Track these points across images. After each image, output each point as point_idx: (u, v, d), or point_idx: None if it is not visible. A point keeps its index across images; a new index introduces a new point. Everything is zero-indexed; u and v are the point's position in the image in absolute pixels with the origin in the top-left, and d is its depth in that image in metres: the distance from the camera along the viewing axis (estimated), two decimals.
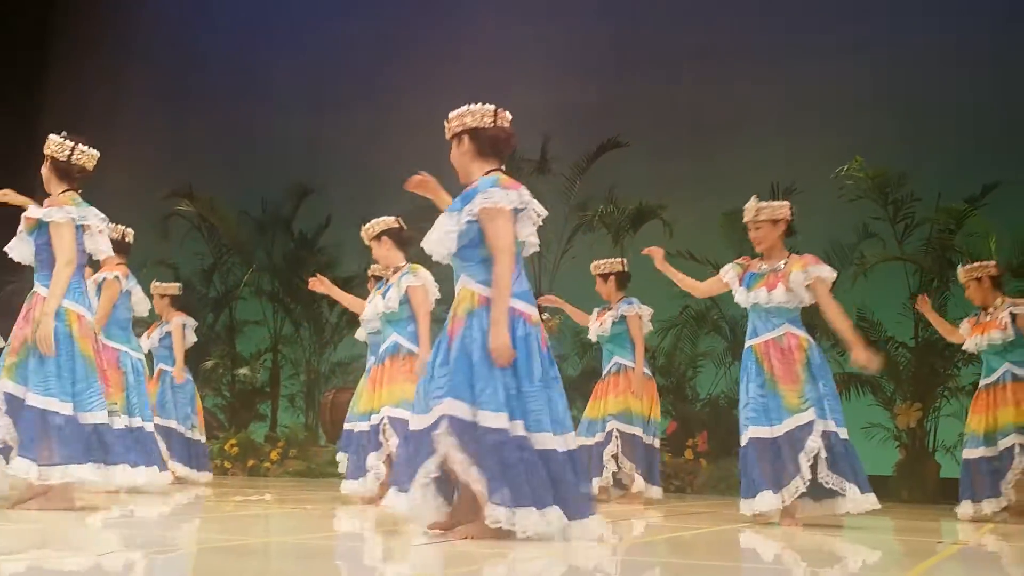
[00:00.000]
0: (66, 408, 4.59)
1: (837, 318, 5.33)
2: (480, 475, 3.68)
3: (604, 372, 7.31)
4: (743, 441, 5.25)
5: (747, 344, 5.40)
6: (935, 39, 10.28)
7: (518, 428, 3.75)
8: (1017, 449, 6.13)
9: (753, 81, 10.98)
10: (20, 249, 4.80)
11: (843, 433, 5.18)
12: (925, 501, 8.18)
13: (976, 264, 6.53)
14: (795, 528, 5.04)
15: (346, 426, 6.44)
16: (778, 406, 5.16)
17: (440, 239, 3.97)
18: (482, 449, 3.70)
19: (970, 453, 6.35)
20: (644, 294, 7.52)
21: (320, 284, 6.66)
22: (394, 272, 6.24)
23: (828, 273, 5.41)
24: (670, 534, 4.90)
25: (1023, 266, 8.70)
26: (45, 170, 4.91)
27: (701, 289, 5.83)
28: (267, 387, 11.37)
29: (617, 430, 7.02)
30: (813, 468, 5.06)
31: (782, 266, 5.40)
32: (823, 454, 5.07)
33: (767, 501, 5.07)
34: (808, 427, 5.09)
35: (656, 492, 7.05)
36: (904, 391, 8.86)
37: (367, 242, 6.40)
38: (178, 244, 11.52)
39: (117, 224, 6.50)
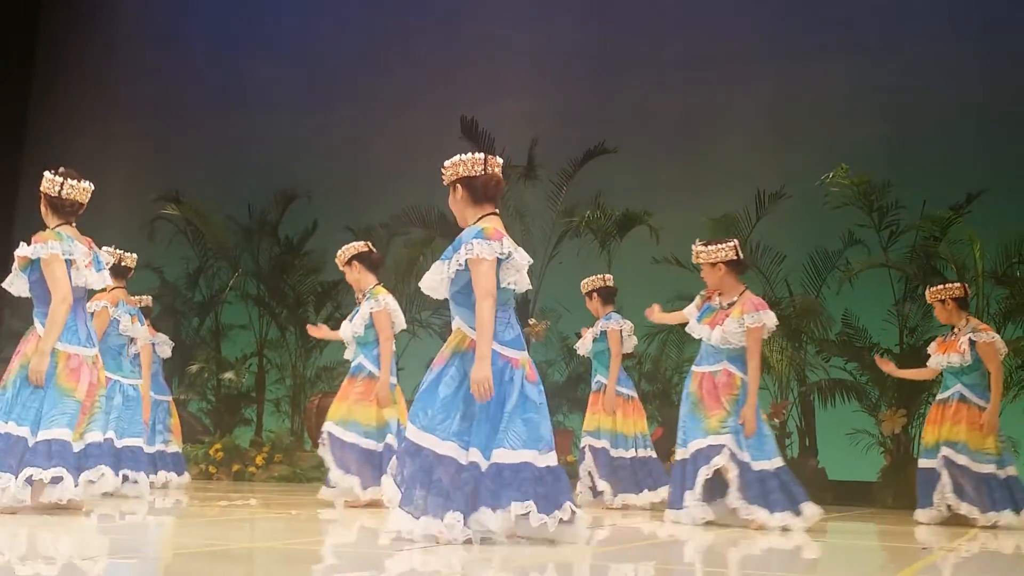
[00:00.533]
0: (22, 431, 4.69)
1: (751, 372, 5.53)
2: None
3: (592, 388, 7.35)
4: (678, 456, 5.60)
5: (692, 369, 5.71)
6: (920, 47, 10.35)
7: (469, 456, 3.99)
8: (942, 462, 6.44)
9: (739, 88, 11.02)
10: (17, 284, 4.90)
11: (757, 465, 5.42)
12: (910, 507, 8.15)
13: (940, 287, 6.78)
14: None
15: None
16: (697, 427, 5.49)
17: (433, 285, 4.23)
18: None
19: (923, 463, 6.66)
20: (630, 302, 7.53)
21: (318, 331, 7.02)
22: (364, 296, 6.42)
23: (769, 321, 5.59)
24: (649, 541, 4.91)
25: (1007, 274, 8.75)
26: (42, 206, 4.96)
27: (682, 320, 6.02)
28: (252, 391, 11.34)
29: (589, 446, 7.09)
30: (710, 484, 5.37)
31: (728, 305, 5.64)
32: (733, 477, 5.34)
33: (686, 513, 5.38)
34: (719, 448, 5.39)
35: (646, 499, 7.07)
36: (889, 397, 8.89)
37: (340, 267, 6.57)
38: (164, 248, 11.48)
39: (115, 248, 6.50)
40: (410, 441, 4.01)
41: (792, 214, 9.50)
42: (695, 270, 9.17)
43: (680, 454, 5.57)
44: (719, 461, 5.33)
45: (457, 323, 4.20)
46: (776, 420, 8.95)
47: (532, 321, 8.72)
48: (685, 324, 5.89)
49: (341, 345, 11.09)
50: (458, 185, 4.26)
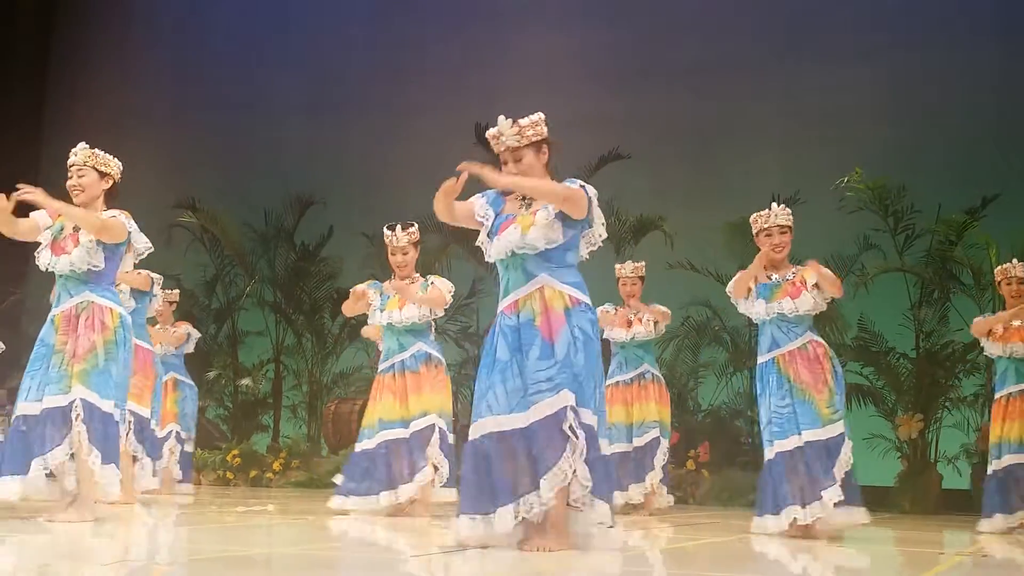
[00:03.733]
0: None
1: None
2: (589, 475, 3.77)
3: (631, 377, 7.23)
4: (768, 455, 5.14)
5: (766, 357, 5.27)
6: (935, 50, 10.31)
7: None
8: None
9: (753, 92, 11.01)
10: (93, 257, 4.78)
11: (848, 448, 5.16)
12: (927, 512, 8.18)
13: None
14: (801, 539, 5.02)
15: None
16: (809, 413, 5.07)
17: (543, 233, 3.98)
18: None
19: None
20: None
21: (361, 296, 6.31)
22: (412, 281, 6.13)
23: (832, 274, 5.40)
24: (671, 544, 4.91)
25: None
26: (104, 192, 4.92)
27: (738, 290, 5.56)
28: (269, 398, 11.38)
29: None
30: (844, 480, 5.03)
31: (792, 275, 5.34)
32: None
33: (793, 514, 5.00)
34: (840, 438, 5.06)
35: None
36: (905, 402, 8.86)
37: (403, 244, 6.15)
38: (181, 255, 11.55)
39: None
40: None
41: (807, 218, 9.42)
42: (710, 275, 9.26)
43: (783, 446, 5.08)
44: (846, 459, 5.00)
45: (546, 281, 3.97)
46: None
47: None
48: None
49: (358, 350, 11.11)
50: (546, 146, 4.17)
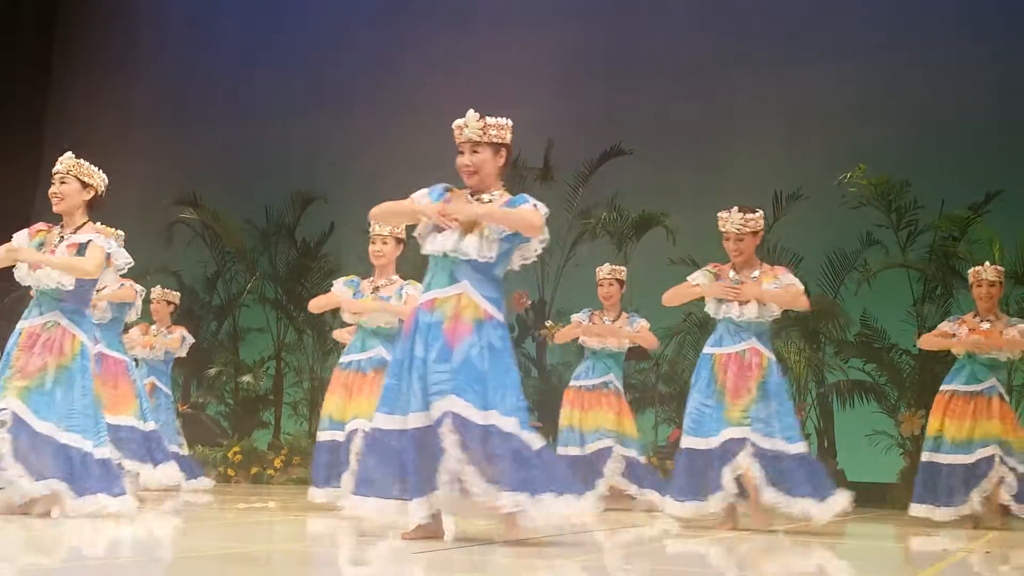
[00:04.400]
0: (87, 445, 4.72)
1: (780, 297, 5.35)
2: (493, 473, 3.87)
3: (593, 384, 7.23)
4: (681, 445, 5.34)
5: (708, 351, 5.38)
6: (937, 46, 10.29)
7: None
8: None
9: (755, 88, 10.98)
10: (55, 276, 4.75)
11: (795, 448, 5.19)
12: None
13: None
14: (731, 532, 5.08)
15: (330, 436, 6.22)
16: (719, 418, 5.20)
17: (478, 246, 4.07)
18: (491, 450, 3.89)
19: None
20: (647, 303, 7.50)
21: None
22: (389, 283, 6.13)
23: (798, 284, 5.41)
24: (663, 541, 4.90)
25: None
26: (84, 201, 4.90)
27: (671, 300, 5.66)
28: (270, 394, 11.38)
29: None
30: (739, 482, 5.14)
31: (753, 279, 5.37)
32: (758, 472, 5.09)
33: (690, 508, 5.21)
34: (741, 442, 5.14)
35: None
36: (908, 398, 8.85)
37: (386, 235, 6.09)
38: (182, 252, 11.54)
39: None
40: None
41: (809, 215, 9.47)
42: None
43: (693, 443, 5.28)
44: (742, 463, 5.09)
45: (465, 289, 4.06)
46: None
47: (549, 323, 8.70)
48: (700, 301, 5.57)
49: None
50: (503, 150, 4.22)
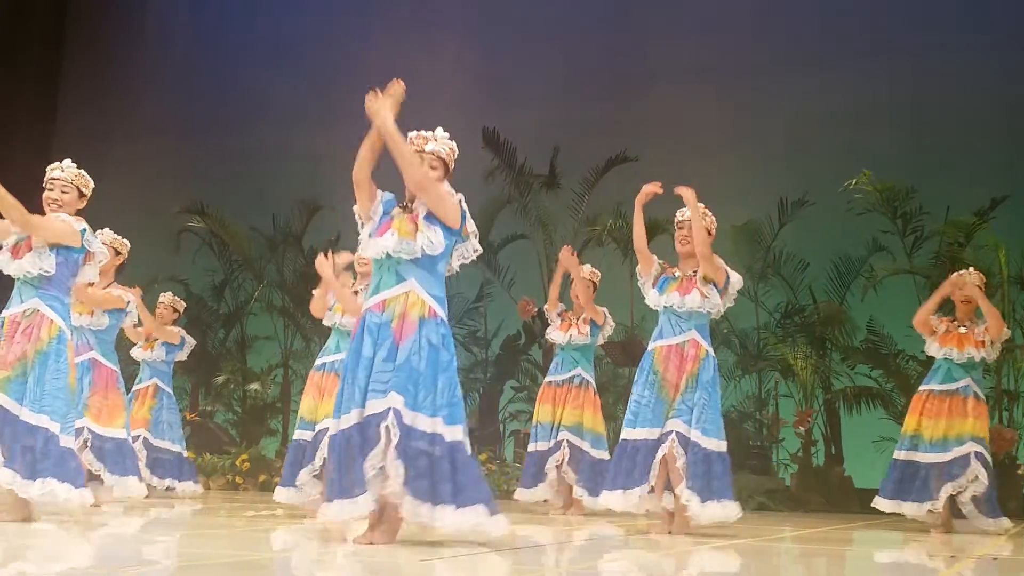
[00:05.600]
0: (55, 427, 4.72)
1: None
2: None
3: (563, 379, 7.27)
4: (623, 436, 5.34)
5: (651, 346, 5.42)
6: (942, 52, 10.30)
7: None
8: None
9: (760, 95, 11.00)
10: (36, 262, 4.79)
11: (710, 445, 5.16)
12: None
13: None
14: (663, 532, 5.13)
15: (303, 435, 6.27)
16: (660, 412, 5.22)
17: (420, 239, 4.18)
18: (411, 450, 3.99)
19: None
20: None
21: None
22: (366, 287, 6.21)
23: (735, 278, 5.46)
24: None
25: None
26: (72, 200, 4.95)
27: (641, 249, 5.77)
28: (278, 402, 11.40)
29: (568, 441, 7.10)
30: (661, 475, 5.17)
31: (692, 272, 5.43)
32: (678, 463, 5.10)
33: (617, 500, 5.22)
34: (667, 435, 5.17)
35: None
36: None
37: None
38: (190, 260, 11.58)
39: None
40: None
41: (815, 221, 9.48)
42: None
43: (630, 434, 5.28)
44: (661, 454, 5.13)
45: (411, 287, 4.16)
46: (801, 428, 8.91)
47: (526, 298, 8.54)
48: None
49: None
50: (449, 170, 4.41)
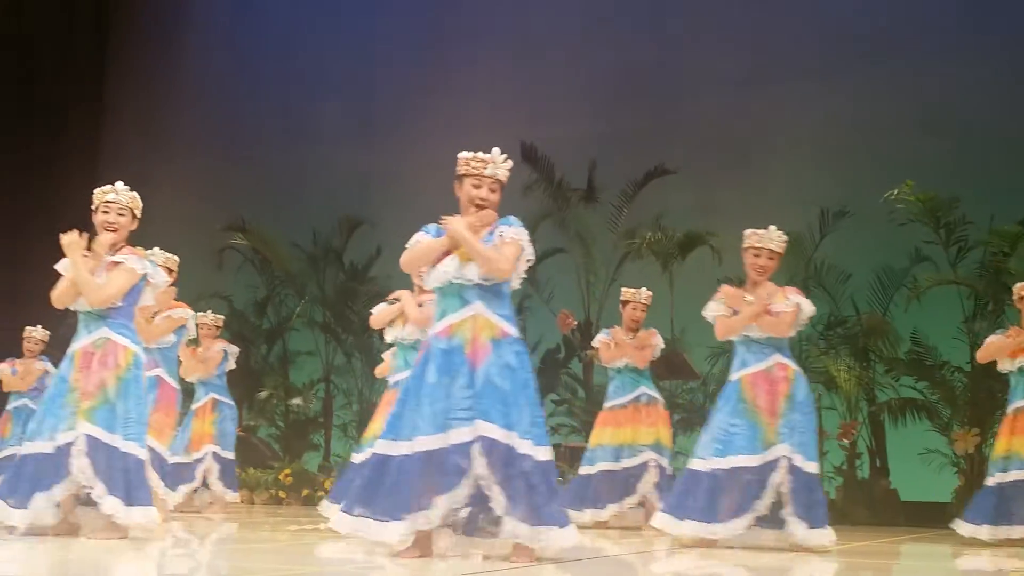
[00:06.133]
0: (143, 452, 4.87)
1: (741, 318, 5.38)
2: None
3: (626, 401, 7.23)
4: (702, 467, 5.21)
5: (734, 376, 5.37)
6: (984, 60, 10.19)
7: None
8: None
9: (800, 105, 10.93)
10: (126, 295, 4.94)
11: (811, 469, 5.15)
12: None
13: None
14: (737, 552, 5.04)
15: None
16: (753, 438, 5.14)
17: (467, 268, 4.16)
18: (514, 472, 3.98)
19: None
20: (693, 323, 7.49)
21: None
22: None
23: (808, 306, 5.41)
24: (717, 562, 4.87)
25: None
26: (129, 226, 5.06)
27: (720, 333, 5.58)
28: (320, 417, 11.48)
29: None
30: (775, 503, 5.09)
31: (766, 297, 5.37)
32: (785, 488, 5.06)
33: (719, 530, 5.09)
34: (776, 463, 5.09)
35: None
36: (961, 416, 8.72)
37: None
38: (232, 277, 11.70)
39: None
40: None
41: (857, 232, 9.40)
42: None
43: (718, 464, 5.21)
44: (777, 481, 5.04)
45: (478, 309, 4.14)
46: (846, 440, 8.83)
47: (596, 344, 8.61)
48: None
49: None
50: (500, 188, 4.34)
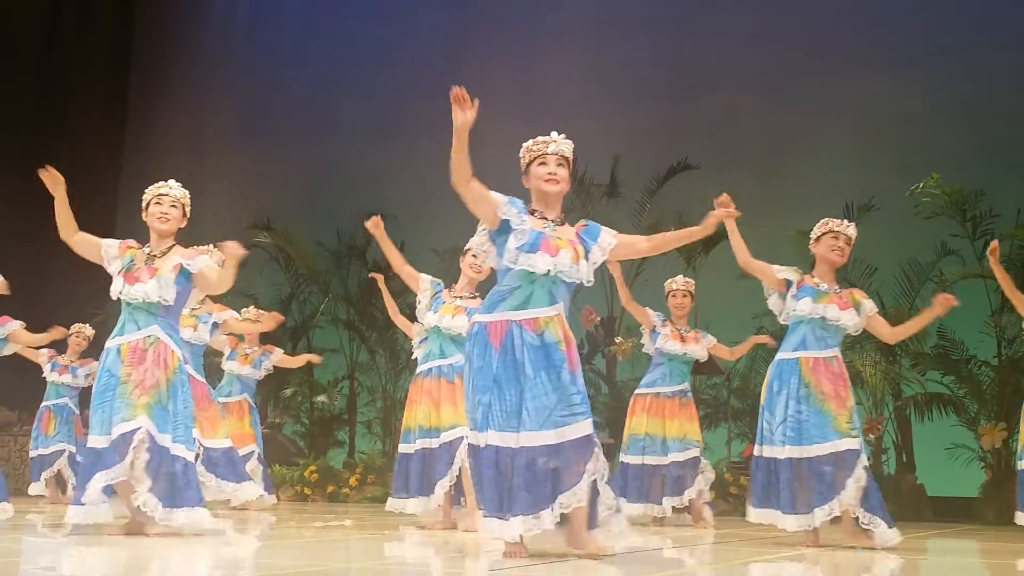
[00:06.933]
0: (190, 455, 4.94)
1: (910, 326, 5.57)
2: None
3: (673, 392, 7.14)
4: (775, 454, 5.11)
5: (790, 355, 5.24)
6: (1008, 51, 10.09)
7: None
8: None
9: (823, 98, 10.87)
10: (164, 291, 4.95)
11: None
12: (1012, 523, 7.95)
13: None
14: (818, 550, 4.95)
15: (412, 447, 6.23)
16: (825, 424, 5.05)
17: (589, 268, 4.18)
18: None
19: None
20: (717, 318, 7.48)
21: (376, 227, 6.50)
22: (471, 297, 6.22)
23: (870, 305, 5.47)
24: (751, 559, 4.86)
25: None
26: (179, 223, 5.13)
27: (750, 264, 5.63)
28: (344, 414, 11.52)
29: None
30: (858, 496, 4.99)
31: (838, 289, 5.34)
32: (863, 482, 4.99)
33: (793, 522, 5.01)
34: (857, 453, 5.02)
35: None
36: (988, 411, 8.65)
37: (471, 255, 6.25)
38: (257, 275, 11.76)
39: None
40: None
41: (882, 226, 9.33)
42: None
43: (784, 452, 5.07)
44: (862, 473, 4.94)
45: (560, 310, 4.11)
46: (872, 435, 8.78)
47: (619, 339, 8.69)
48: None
49: None
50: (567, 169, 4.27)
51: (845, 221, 5.49)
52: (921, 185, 8.57)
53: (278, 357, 8.37)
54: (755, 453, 5.28)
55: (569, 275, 4.08)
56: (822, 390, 5.11)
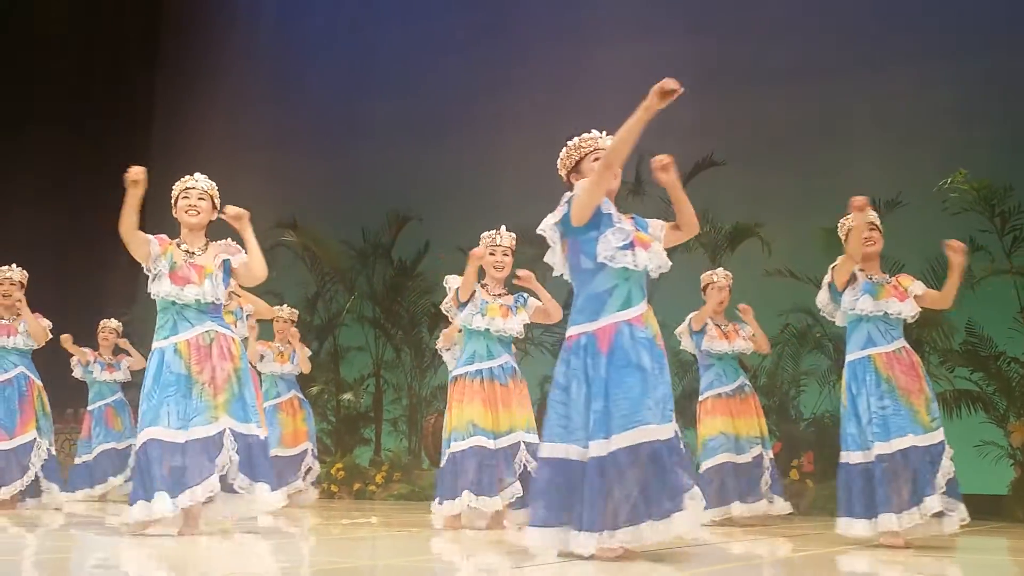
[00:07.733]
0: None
1: (952, 284, 5.45)
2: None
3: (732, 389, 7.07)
4: (863, 458, 5.04)
5: (861, 354, 5.21)
6: None
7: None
8: None
9: (850, 95, 10.81)
10: (212, 291, 5.03)
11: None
12: None
13: None
14: (901, 548, 4.92)
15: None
16: (911, 418, 5.04)
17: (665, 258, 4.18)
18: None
19: None
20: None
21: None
22: (507, 293, 6.20)
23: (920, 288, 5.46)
24: (780, 556, 4.85)
25: None
26: (206, 205, 5.17)
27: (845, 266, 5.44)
28: (371, 412, 11.57)
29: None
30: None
31: (889, 280, 5.34)
32: (951, 475, 5.00)
33: (888, 522, 4.93)
34: (941, 446, 5.02)
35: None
36: (1017, 408, 8.58)
37: (508, 246, 6.22)
38: (283, 274, 11.81)
39: None
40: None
41: (909, 221, 9.27)
42: (809, 281, 9.11)
43: (871, 453, 5.00)
44: (949, 466, 4.97)
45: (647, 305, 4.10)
46: None
47: None
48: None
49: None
50: None
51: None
52: (949, 180, 8.51)
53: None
54: (842, 460, 5.17)
55: (661, 268, 4.13)
56: (901, 384, 5.11)
